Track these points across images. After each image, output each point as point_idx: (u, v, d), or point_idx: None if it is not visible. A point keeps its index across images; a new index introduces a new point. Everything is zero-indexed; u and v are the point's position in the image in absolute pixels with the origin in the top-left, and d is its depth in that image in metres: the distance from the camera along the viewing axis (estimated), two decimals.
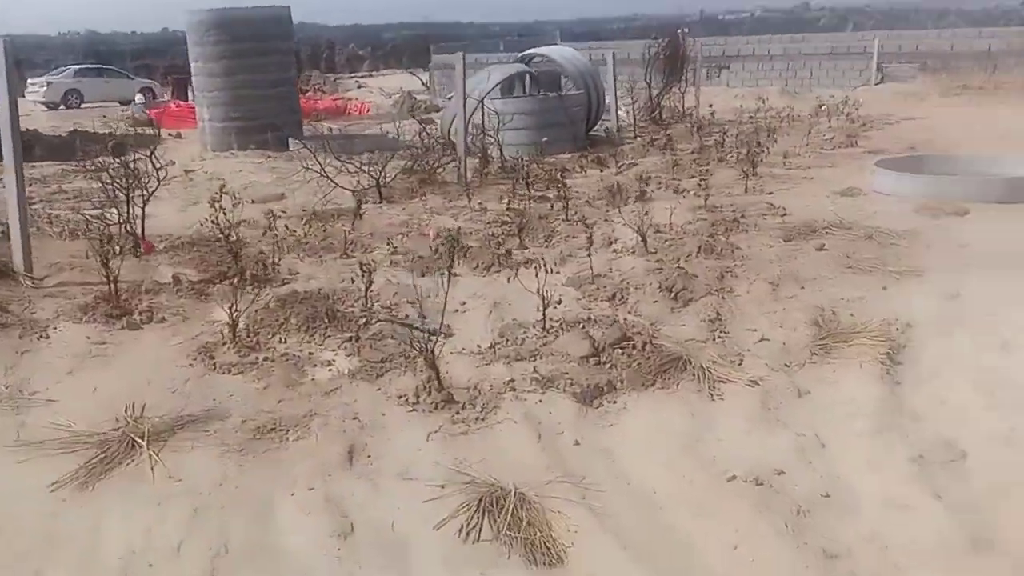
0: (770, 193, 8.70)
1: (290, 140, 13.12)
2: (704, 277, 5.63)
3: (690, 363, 4.15)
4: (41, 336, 4.51)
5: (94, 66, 31.33)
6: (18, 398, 3.83)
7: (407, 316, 5.10)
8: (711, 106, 15.46)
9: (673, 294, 5.28)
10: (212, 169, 11.63)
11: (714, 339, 4.62)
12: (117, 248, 5.02)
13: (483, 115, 13.01)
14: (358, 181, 9.19)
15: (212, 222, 5.71)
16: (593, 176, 10.47)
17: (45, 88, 27.65)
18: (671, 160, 11.26)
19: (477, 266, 6.33)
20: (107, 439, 3.45)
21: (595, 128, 15.05)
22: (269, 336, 4.74)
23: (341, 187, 8.93)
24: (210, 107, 12.79)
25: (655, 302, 5.22)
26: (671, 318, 4.99)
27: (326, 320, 4.88)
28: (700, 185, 8.63)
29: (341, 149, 11.25)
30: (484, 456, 3.36)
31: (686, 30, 16.90)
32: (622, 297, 5.37)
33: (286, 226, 7.48)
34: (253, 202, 8.29)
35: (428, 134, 11.99)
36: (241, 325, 4.65)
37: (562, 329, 4.88)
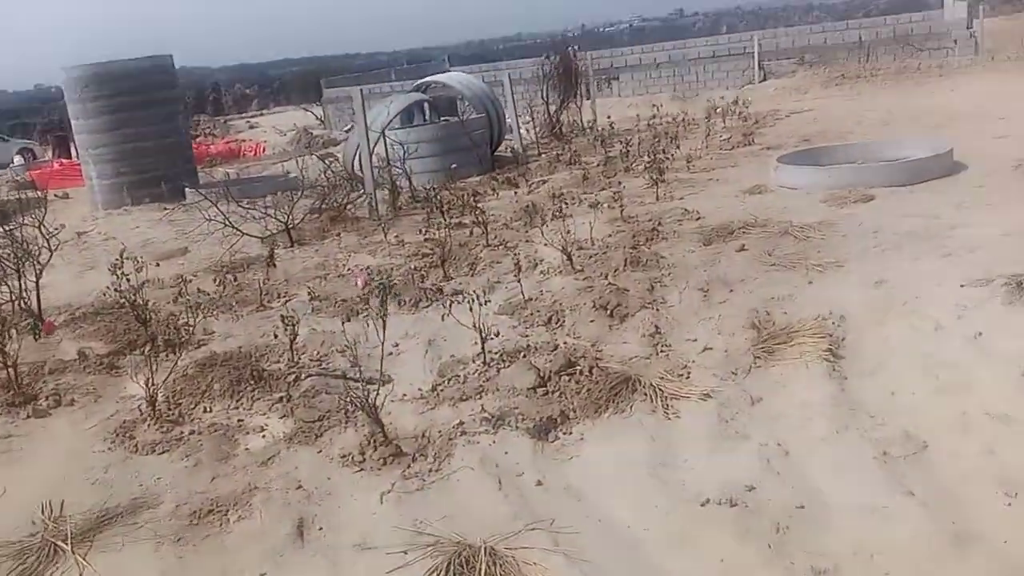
0: (681, 198, 8.79)
1: (186, 190, 12.58)
2: (635, 290, 5.59)
3: (639, 383, 4.06)
4: None
5: None
6: None
7: (338, 368, 4.84)
8: (609, 117, 15.67)
9: (608, 311, 5.20)
10: (106, 229, 11.02)
11: (657, 354, 4.56)
12: (12, 331, 4.59)
13: (385, 146, 12.82)
14: (265, 226, 8.83)
15: (115, 290, 5.31)
16: (506, 197, 10.40)
17: None
18: (580, 175, 11.30)
19: (404, 303, 6.12)
20: (24, 548, 3.09)
21: (499, 149, 15.05)
22: (192, 407, 4.42)
23: (248, 235, 8.57)
24: (97, 164, 12.14)
25: (592, 321, 5.13)
26: (611, 336, 4.91)
27: (252, 382, 4.59)
28: (613, 197, 8.67)
29: (242, 194, 10.86)
30: (445, 512, 3.17)
31: (576, 47, 17.13)
32: (558, 320, 5.27)
33: (194, 285, 7.09)
34: (157, 264, 7.81)
35: (332, 171, 11.67)
36: (160, 398, 4.32)
37: (503, 361, 4.73)
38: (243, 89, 59.10)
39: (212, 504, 3.35)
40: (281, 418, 4.19)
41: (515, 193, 10.55)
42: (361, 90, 10.01)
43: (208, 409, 4.34)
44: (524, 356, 4.75)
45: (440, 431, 3.88)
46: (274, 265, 6.70)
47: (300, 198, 9.19)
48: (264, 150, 24.73)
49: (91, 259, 8.79)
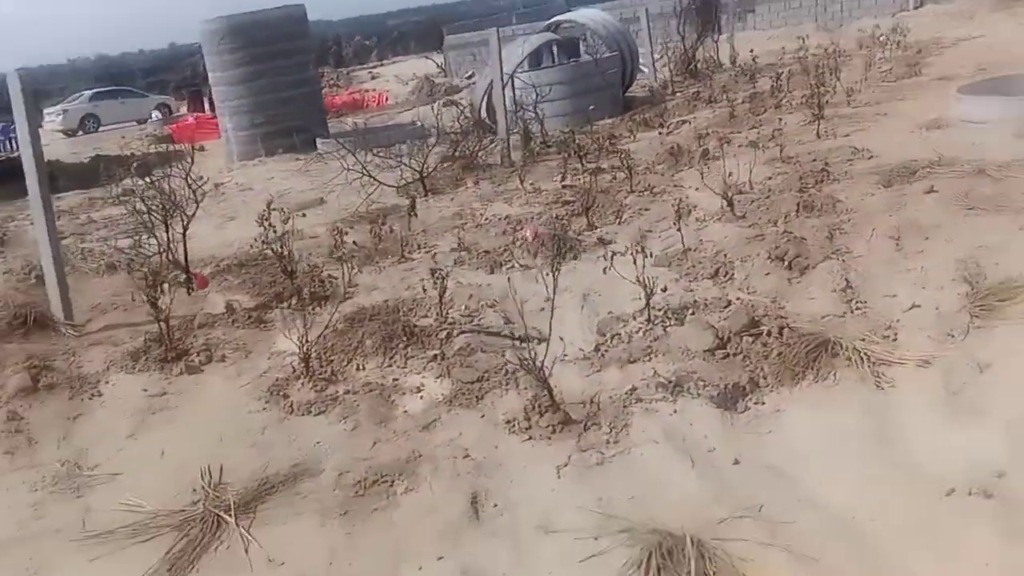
0: (847, 135, 7.96)
1: (318, 141, 12.60)
2: (812, 239, 4.98)
3: (840, 346, 3.53)
4: (93, 395, 4.04)
5: (108, 89, 31.09)
6: (77, 476, 3.35)
7: (490, 324, 4.53)
8: (752, 51, 14.60)
9: (786, 263, 4.64)
10: (242, 180, 11.15)
11: (852, 312, 4.00)
12: (165, 286, 4.51)
13: (514, 91, 12.37)
14: (400, 175, 8.63)
15: (262, 242, 5.18)
16: (645, 139, 9.80)
17: (62, 116, 27.45)
18: (725, 113, 10.52)
19: (557, 254, 5.73)
20: (187, 518, 2.95)
21: (630, 88, 14.36)
22: (344, 364, 4.21)
23: (385, 184, 8.38)
24: (233, 116, 12.31)
25: (767, 274, 4.59)
26: (792, 292, 4.37)
27: (404, 338, 4.34)
28: (771, 136, 7.95)
29: (373, 144, 10.74)
30: (632, 491, 2.80)
31: None
32: (726, 272, 4.75)
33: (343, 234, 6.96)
34: (303, 214, 7.73)
35: (466, 116, 11.35)
36: (312, 354, 4.13)
37: (669, 318, 4.29)
38: (363, 41, 59.76)
39: (376, 473, 3.12)
40: (437, 378, 3.93)
41: (659, 134, 9.91)
42: (498, 29, 9.57)
43: (361, 367, 4.13)
44: (692, 313, 4.29)
45: (611, 397, 3.50)
46: (416, 215, 6.46)
47: (434, 146, 8.89)
48: (387, 100, 24.79)
49: (230, 210, 8.86)
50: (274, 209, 5.57)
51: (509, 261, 5.79)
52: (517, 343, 4.20)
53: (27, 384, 4.04)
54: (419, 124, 13.47)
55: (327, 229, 7.39)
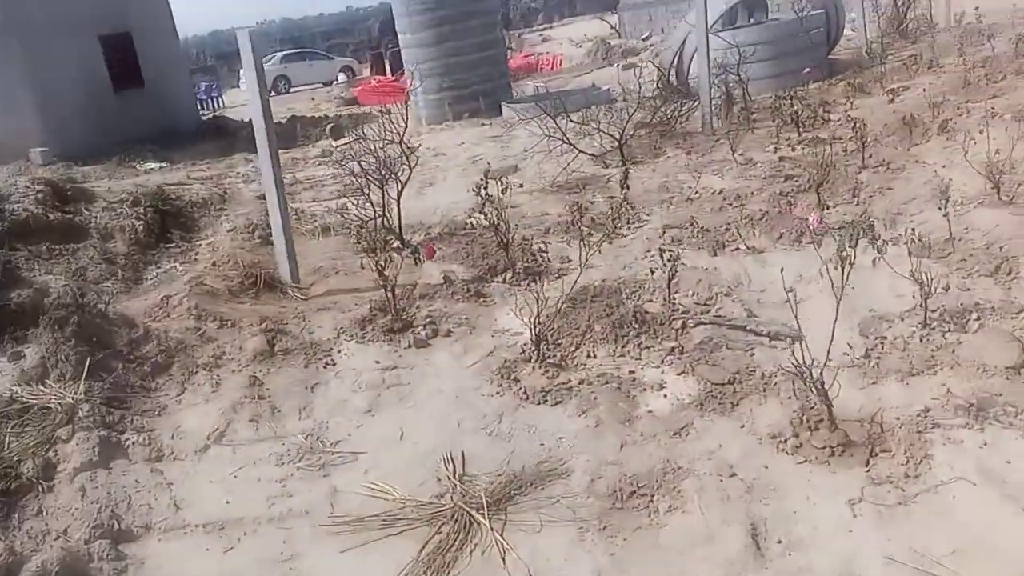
0: None
1: (504, 105, 12.44)
2: None
3: None
4: (327, 363, 4.01)
5: (297, 51, 32.55)
6: (321, 451, 3.29)
7: (729, 314, 4.13)
8: (977, 9, 13.04)
9: None
10: (433, 144, 11.18)
11: None
12: (390, 254, 4.42)
13: (708, 53, 11.64)
14: (598, 143, 8.28)
15: (481, 212, 5.01)
16: (864, 107, 8.90)
17: None
18: (955, 78, 9.41)
19: (781, 236, 5.23)
20: (437, 512, 2.80)
21: (834, 50, 13.23)
22: (573, 349, 3.96)
23: (583, 152, 8.08)
24: (423, 79, 12.35)
25: None
26: None
27: (636, 325, 4.03)
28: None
29: (558, 109, 10.43)
30: (953, 543, 2.36)
31: None
32: (1010, 270, 4.10)
33: (533, 207, 6.74)
34: (521, 184, 7.59)
35: (665, 79, 10.79)
36: (534, 324, 3.87)
37: (945, 322, 3.73)
38: (529, 2, 59.34)
39: (632, 483, 2.84)
40: (679, 375, 3.60)
41: (887, 100, 8.99)
42: None
43: (592, 354, 3.86)
44: (977, 319, 3.71)
45: (898, 418, 3.04)
46: (628, 187, 6.11)
47: (634, 113, 8.45)
48: (561, 63, 24.41)
49: (427, 175, 8.84)
50: (491, 178, 5.40)
51: (733, 242, 5.33)
52: (767, 340, 3.78)
53: (264, 348, 4.07)
54: (605, 88, 13.02)
55: (529, 197, 7.20)
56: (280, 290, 4.95)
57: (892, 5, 13.91)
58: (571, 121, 8.43)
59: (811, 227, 3.41)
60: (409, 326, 4.36)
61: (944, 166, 6.16)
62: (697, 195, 6.54)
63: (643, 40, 25.11)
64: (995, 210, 4.95)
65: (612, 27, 28.57)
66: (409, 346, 4.14)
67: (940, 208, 4.63)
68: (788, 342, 3.75)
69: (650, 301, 4.47)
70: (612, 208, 5.98)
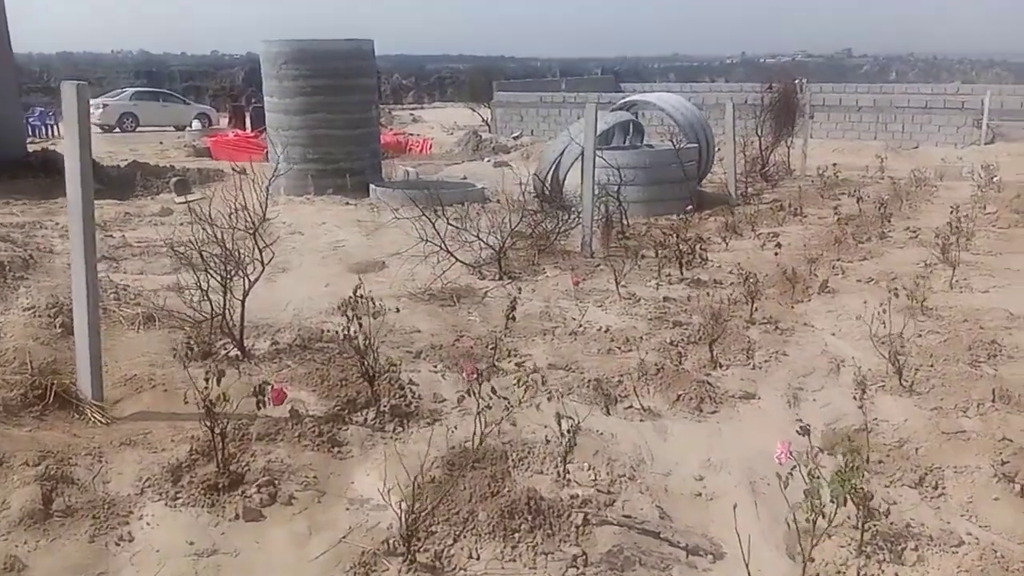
0: (985, 292, 7.05)
1: (374, 188, 11.70)
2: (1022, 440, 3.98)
3: None
4: (121, 539, 2.96)
5: (151, 90, 30.49)
6: None
7: (642, 516, 3.48)
8: (835, 165, 13.85)
9: (1020, 487, 3.62)
10: (291, 219, 10.19)
11: None
12: (222, 372, 3.48)
13: (585, 170, 11.51)
14: (480, 251, 7.67)
15: (344, 336, 4.18)
16: (738, 249, 8.87)
17: (101, 110, 26.72)
18: (822, 231, 9.66)
19: (678, 398, 4.73)
20: None
21: (701, 183, 13.55)
22: (451, 541, 3.16)
23: (460, 261, 7.42)
24: (285, 147, 11.40)
25: (996, 500, 3.57)
26: None
27: (528, 516, 3.29)
28: (895, 277, 6.99)
29: (429, 201, 9.82)
30: None
31: (804, 79, 15.35)
32: (936, 484, 3.72)
33: (405, 318, 5.96)
34: (397, 309, 6.78)
35: (542, 188, 10.45)
36: (404, 508, 3.04)
37: (880, 548, 3.25)
38: (401, 79, 59.68)
39: None
40: None
41: (758, 244, 8.99)
42: (596, 103, 8.72)
43: (475, 554, 3.07)
44: (915, 549, 3.25)
45: None
46: (514, 318, 5.44)
47: (518, 223, 7.95)
48: (431, 147, 24.07)
49: (280, 258, 7.84)
50: (362, 297, 4.60)
51: (626, 397, 4.77)
52: (684, 555, 3.15)
53: (37, 505, 2.98)
54: (481, 186, 12.58)
55: (397, 303, 6.42)
56: (76, 408, 3.83)
57: (757, 147, 14.51)
58: (449, 223, 7.80)
59: (779, 461, 2.83)
60: (239, 482, 3.40)
61: (834, 334, 5.99)
62: (582, 329, 6.01)
63: (514, 138, 25.31)
64: (899, 399, 4.69)
65: (484, 120, 28.73)
66: (236, 517, 3.18)
67: (841, 386, 4.28)
68: (709, 559, 3.14)
69: (540, 473, 3.76)
70: (496, 341, 5.29)
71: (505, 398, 3.46)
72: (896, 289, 6.60)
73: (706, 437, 4.24)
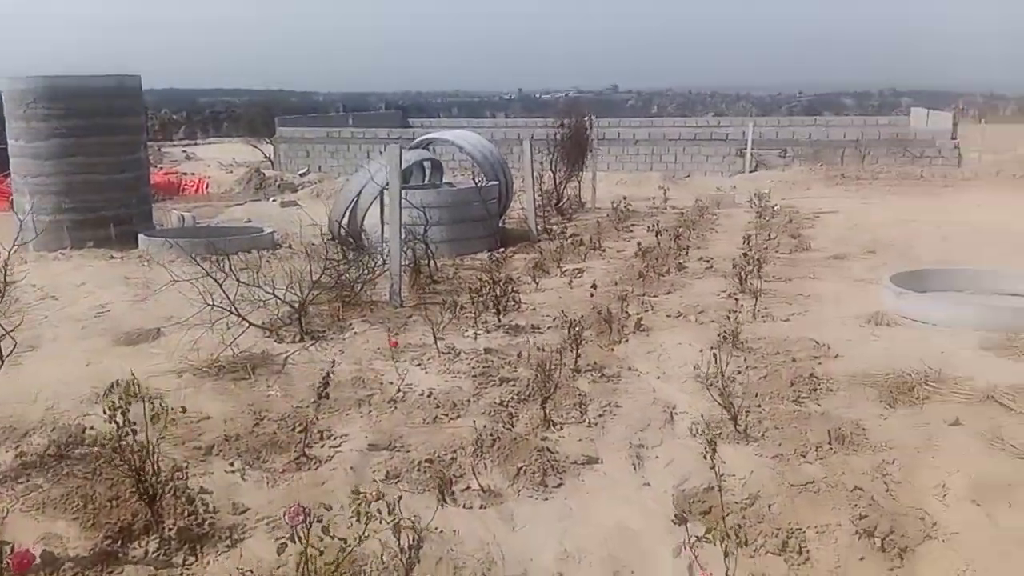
0: (786, 320, 7.28)
1: (143, 237, 10.37)
2: (879, 495, 3.90)
3: None
4: None
5: None
6: None
7: None
8: (625, 198, 14.27)
9: (879, 542, 3.49)
10: (41, 280, 8.74)
11: None
12: None
13: (400, 215, 10.93)
14: (278, 308, 6.84)
15: (108, 447, 3.31)
16: (549, 288, 8.67)
17: None
18: (624, 265, 9.72)
19: (520, 472, 4.26)
20: None
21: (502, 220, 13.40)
22: None
23: (254, 324, 6.55)
24: (35, 196, 9.82)
25: (862, 559, 3.40)
26: None
27: None
28: (701, 310, 7.04)
29: (209, 250, 8.82)
30: None
31: (592, 115, 15.77)
32: (800, 548, 3.51)
33: (191, 402, 5.06)
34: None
35: (339, 231, 9.74)
36: None
37: None
38: (171, 114, 55.73)
39: None
40: None
41: (565, 282, 8.82)
42: (399, 145, 8.18)
43: None
44: None
45: None
46: (327, 395, 4.69)
47: (320, 276, 7.19)
48: (208, 187, 22.35)
49: (30, 332, 6.56)
50: (133, 398, 3.72)
51: (461, 476, 4.24)
52: None
53: None
54: (270, 231, 11.59)
55: (180, 382, 5.48)
56: None
57: (552, 182, 14.66)
58: (237, 280, 6.89)
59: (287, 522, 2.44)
60: None
61: (659, 377, 5.82)
62: (402, 395, 5.41)
63: (301, 175, 24.17)
64: (738, 447, 4.52)
65: (266, 156, 27.24)
66: None
67: (679, 437, 4.04)
68: None
69: None
70: (307, 425, 4.55)
71: (342, 539, 2.78)
72: (692, 318, 6.61)
73: (557, 520, 3.79)
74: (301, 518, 2.51)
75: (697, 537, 2.84)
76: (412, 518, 3.07)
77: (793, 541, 3.52)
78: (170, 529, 3.44)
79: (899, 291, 7.31)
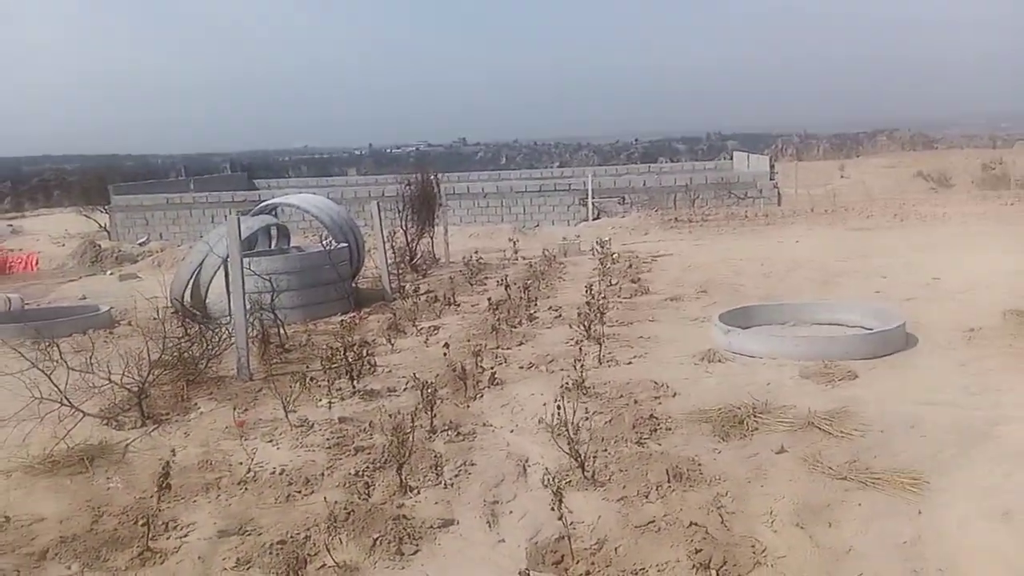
0: (628, 363, 7.67)
1: None
2: (713, 527, 4.19)
3: None
4: None
5: None
6: None
7: None
8: (476, 252, 14.56)
9: (715, 572, 3.75)
10: None
11: None
12: None
13: (243, 286, 10.66)
14: (114, 393, 6.51)
15: None
16: (405, 348, 8.73)
17: None
18: (481, 321, 9.91)
19: (376, 543, 4.26)
20: None
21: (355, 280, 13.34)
22: None
23: (89, 414, 6.21)
24: None
25: None
26: None
27: None
28: (551, 359, 7.32)
29: (39, 334, 8.29)
30: None
31: (436, 172, 16.06)
32: None
33: (24, 506, 4.75)
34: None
35: (180, 306, 9.40)
36: None
37: None
38: None
39: None
40: None
41: (421, 341, 8.90)
42: (238, 215, 8.06)
43: None
44: None
45: None
46: (168, 485, 4.50)
47: (160, 356, 6.92)
48: (38, 263, 20.91)
49: None
50: None
51: (316, 554, 4.20)
52: None
53: None
54: (107, 309, 11.00)
55: (7, 483, 5.11)
56: None
57: (404, 239, 14.77)
58: (68, 367, 6.53)
59: None
60: None
61: (512, 431, 5.99)
62: (252, 476, 5.28)
63: (140, 245, 23.08)
64: (587, 493, 4.73)
65: (101, 226, 25.81)
66: None
67: (531, 490, 4.20)
68: None
69: None
70: (149, 519, 4.36)
71: None
72: (543, 368, 6.85)
73: None
74: None
75: None
76: None
77: None
78: None
79: (727, 329, 7.87)
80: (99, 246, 22.01)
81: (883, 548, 3.91)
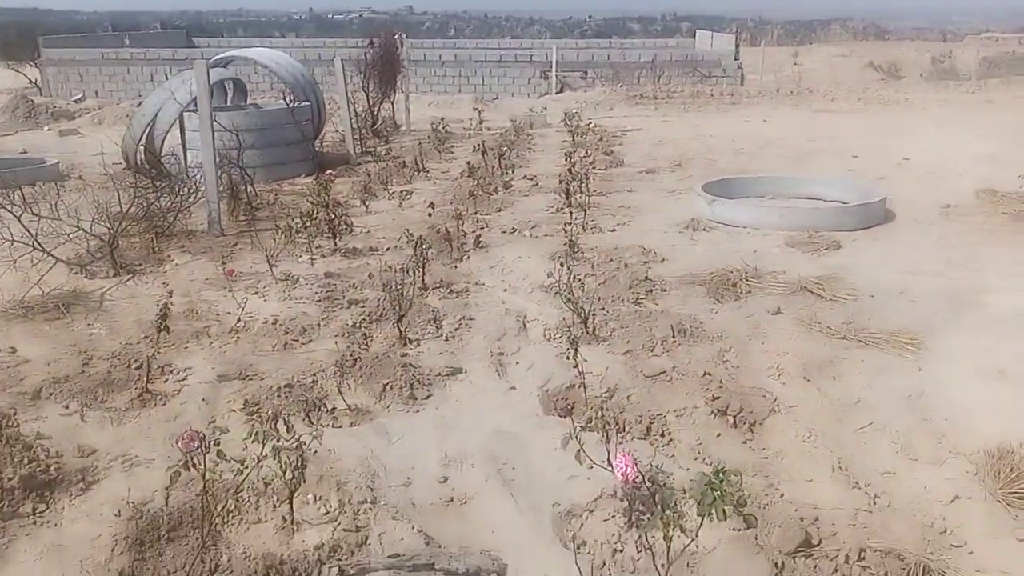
0: (612, 230, 7.60)
1: None
2: (722, 378, 4.24)
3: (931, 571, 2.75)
4: None
5: None
6: None
7: (411, 544, 2.94)
8: (443, 119, 14.08)
9: (731, 418, 3.80)
10: None
11: (874, 502, 3.25)
12: None
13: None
14: (88, 242, 6.19)
15: None
16: (380, 211, 8.49)
17: None
18: (452, 185, 9.67)
19: (385, 389, 4.20)
20: None
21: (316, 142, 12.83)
22: None
23: (60, 260, 5.89)
24: None
25: (719, 435, 3.70)
26: (764, 463, 3.53)
27: None
28: (563, 228, 7.20)
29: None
30: None
31: (402, 33, 15.28)
32: (663, 431, 3.75)
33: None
34: None
35: (136, 158, 8.91)
36: None
37: (640, 513, 3.15)
38: None
39: None
40: None
41: (395, 204, 8.66)
42: (207, 63, 7.52)
43: None
44: (673, 508, 3.20)
45: None
46: (167, 328, 4.29)
47: (129, 208, 6.56)
48: None
49: None
50: None
51: (324, 398, 4.12)
52: None
53: None
54: (54, 162, 10.38)
55: None
56: None
57: (365, 103, 14.19)
58: (34, 214, 6.15)
59: (621, 482, 2.47)
60: None
61: (506, 290, 5.92)
62: (244, 325, 5.12)
63: (76, 101, 21.75)
64: (592, 348, 4.70)
65: (32, 81, 24.19)
66: None
67: (534, 343, 4.18)
68: None
69: (259, 522, 3.00)
70: (147, 362, 4.20)
71: (239, 461, 2.60)
72: (527, 233, 6.74)
73: (433, 429, 3.80)
74: (196, 444, 2.33)
75: (581, 427, 2.94)
76: (300, 438, 2.94)
77: (656, 425, 3.76)
78: (10, 479, 3.08)
79: (712, 198, 7.82)
80: (32, 101, 20.66)
81: (890, 400, 4.01)
